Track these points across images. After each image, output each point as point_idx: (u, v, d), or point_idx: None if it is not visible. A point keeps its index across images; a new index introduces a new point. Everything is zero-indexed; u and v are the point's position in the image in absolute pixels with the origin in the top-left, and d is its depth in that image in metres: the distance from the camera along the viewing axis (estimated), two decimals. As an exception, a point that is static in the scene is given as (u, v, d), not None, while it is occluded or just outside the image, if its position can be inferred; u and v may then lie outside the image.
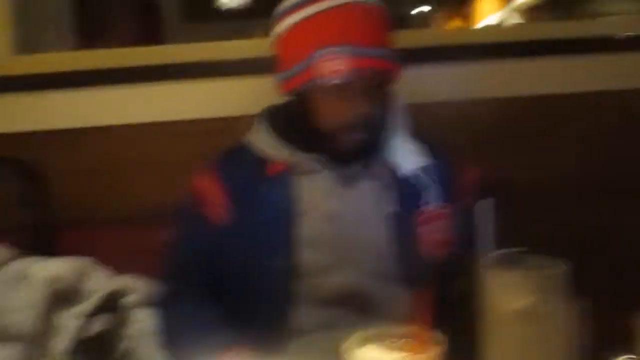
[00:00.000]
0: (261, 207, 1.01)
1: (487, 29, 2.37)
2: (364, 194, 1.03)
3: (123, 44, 1.76)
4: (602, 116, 1.42)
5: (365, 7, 0.98)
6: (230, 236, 1.01)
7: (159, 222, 1.21)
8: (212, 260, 1.03)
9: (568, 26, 1.52)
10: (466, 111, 1.36)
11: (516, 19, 2.69)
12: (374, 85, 0.98)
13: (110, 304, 1.07)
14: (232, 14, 3.26)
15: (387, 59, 0.98)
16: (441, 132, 1.14)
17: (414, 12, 3.28)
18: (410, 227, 1.01)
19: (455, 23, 3.18)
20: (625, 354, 0.67)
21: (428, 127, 1.08)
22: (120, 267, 1.15)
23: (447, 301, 0.73)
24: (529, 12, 2.66)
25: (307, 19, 0.98)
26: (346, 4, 0.97)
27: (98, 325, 1.03)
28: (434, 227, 1.02)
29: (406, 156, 1.03)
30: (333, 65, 0.94)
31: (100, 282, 1.11)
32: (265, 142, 1.05)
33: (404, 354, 0.58)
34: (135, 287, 1.11)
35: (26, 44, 1.49)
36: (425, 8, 3.28)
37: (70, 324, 1.04)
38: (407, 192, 1.02)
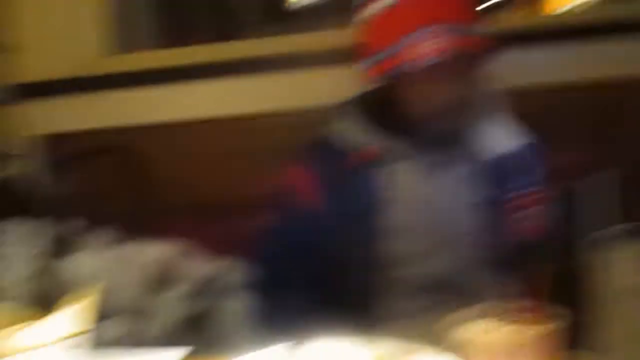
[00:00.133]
0: (352, 196, 1.01)
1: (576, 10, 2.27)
2: (455, 179, 1.01)
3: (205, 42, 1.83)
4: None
5: None
6: (322, 225, 1.02)
7: (252, 211, 1.26)
8: (304, 248, 1.04)
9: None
10: (559, 94, 1.32)
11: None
12: (465, 68, 0.96)
13: (207, 287, 1.11)
14: (304, 13, 3.29)
15: (477, 39, 0.96)
16: (533, 115, 1.11)
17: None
18: (502, 213, 0.99)
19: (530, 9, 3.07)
20: None
21: (520, 110, 1.05)
22: (215, 252, 1.20)
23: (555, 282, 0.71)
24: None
25: (395, 3, 0.97)
26: None
27: (196, 306, 1.08)
28: (528, 213, 1.00)
29: (498, 140, 1.01)
30: (424, 48, 0.92)
31: (197, 266, 1.17)
32: (354, 131, 1.05)
33: (519, 327, 0.57)
34: (230, 271, 1.15)
35: (120, 44, 1.59)
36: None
37: (169, 304, 1.10)
38: (499, 176, 1.00)
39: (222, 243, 1.20)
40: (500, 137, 1.02)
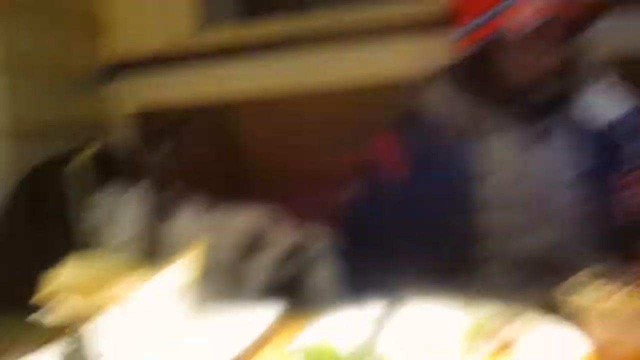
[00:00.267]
0: (444, 167, 0.99)
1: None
2: (555, 151, 0.97)
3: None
4: None
5: None
6: (412, 196, 1.01)
7: (341, 181, 1.28)
8: (392, 219, 1.04)
9: None
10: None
11: None
12: (566, 33, 0.92)
13: (296, 253, 1.15)
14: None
15: (578, 2, 0.91)
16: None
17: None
18: (607, 187, 0.94)
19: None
20: None
21: (626, 78, 1.00)
22: (304, 221, 1.23)
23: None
24: None
25: None
26: None
27: (286, 270, 1.12)
28: (636, 191, 0.95)
29: (602, 110, 0.96)
30: (523, 13, 0.89)
31: (286, 232, 1.21)
32: (446, 101, 1.03)
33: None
34: (318, 239, 1.18)
35: (210, 19, 1.64)
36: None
37: (260, 268, 1.14)
38: (603, 149, 0.95)
39: (310, 212, 1.23)
40: (605, 107, 0.97)
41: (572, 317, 0.60)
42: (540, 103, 0.96)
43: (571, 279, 0.61)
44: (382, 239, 1.04)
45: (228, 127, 1.30)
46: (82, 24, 1.60)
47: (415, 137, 1.03)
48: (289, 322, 0.82)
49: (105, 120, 1.64)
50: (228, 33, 1.57)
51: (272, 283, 1.10)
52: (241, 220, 1.16)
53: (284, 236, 1.18)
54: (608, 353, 0.57)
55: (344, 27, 1.44)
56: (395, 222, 1.03)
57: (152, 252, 0.92)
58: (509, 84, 0.96)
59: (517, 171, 0.96)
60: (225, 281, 1.05)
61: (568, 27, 0.92)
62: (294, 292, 1.08)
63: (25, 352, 0.75)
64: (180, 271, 0.74)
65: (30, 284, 0.99)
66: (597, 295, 0.58)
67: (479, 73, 1.00)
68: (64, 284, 0.69)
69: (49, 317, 0.69)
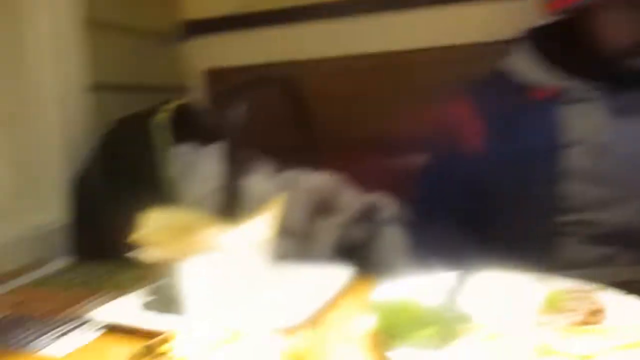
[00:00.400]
0: (523, 136, 0.97)
1: None
2: None
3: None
4: None
5: None
6: (487, 165, 0.99)
7: (413, 148, 1.27)
8: (466, 188, 1.02)
9: None
10: None
11: None
12: None
13: (364, 218, 1.15)
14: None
15: None
16: None
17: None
18: None
19: None
20: None
21: None
22: (370, 187, 1.23)
23: None
24: None
25: None
26: None
27: (356, 233, 1.13)
28: None
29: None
30: None
31: (354, 197, 1.21)
32: (528, 67, 1.00)
33: None
34: (386, 205, 1.18)
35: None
36: None
37: (329, 231, 1.15)
38: None
39: (380, 178, 1.23)
40: None
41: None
42: (629, 72, 0.92)
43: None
44: (454, 208, 1.03)
45: (299, 90, 1.31)
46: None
47: (493, 103, 1.01)
48: (359, 285, 0.84)
49: (182, 78, 1.69)
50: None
51: (340, 247, 1.11)
52: (311, 183, 1.17)
53: (353, 201, 1.19)
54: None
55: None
56: (469, 191, 1.01)
57: (227, 208, 0.95)
58: (598, 51, 0.93)
59: (603, 142, 0.93)
60: (294, 242, 1.07)
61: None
62: (362, 257, 1.09)
63: (114, 295, 0.80)
64: (259, 227, 0.76)
65: (111, 236, 1.05)
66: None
67: (566, 39, 0.97)
68: (151, 230, 0.73)
69: (140, 258, 0.73)
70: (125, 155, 1.13)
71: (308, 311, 0.71)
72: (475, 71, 1.11)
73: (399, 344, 0.58)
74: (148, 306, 0.75)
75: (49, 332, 0.74)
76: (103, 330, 0.73)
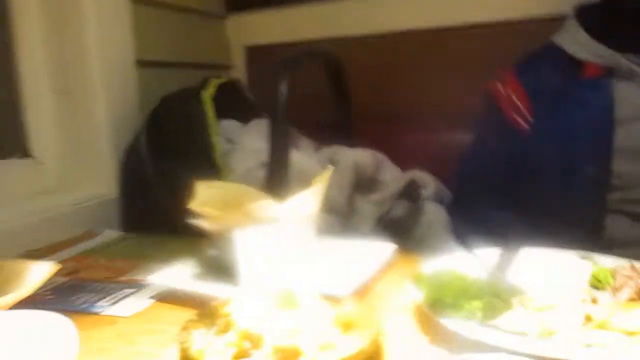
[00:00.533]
0: (573, 113, 0.95)
1: None
2: None
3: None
4: None
5: None
6: (535, 142, 0.98)
7: (453, 125, 1.26)
8: (512, 164, 1.02)
9: None
10: None
11: None
12: None
13: (407, 194, 1.16)
14: None
15: None
16: None
17: None
18: None
19: None
20: None
21: None
22: (411, 164, 1.23)
23: None
24: None
25: None
26: None
27: (398, 210, 1.14)
28: None
29: None
30: None
31: (394, 174, 1.22)
32: (579, 43, 0.98)
33: None
34: (428, 182, 1.19)
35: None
36: None
37: (370, 208, 1.17)
38: None
39: (422, 155, 1.23)
40: None
41: None
42: None
43: None
44: (500, 185, 1.03)
45: (341, 66, 1.31)
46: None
47: (542, 80, 1.00)
48: (403, 260, 0.85)
49: (225, 55, 1.71)
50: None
51: (381, 224, 1.12)
52: (352, 159, 1.18)
53: (394, 178, 1.20)
54: None
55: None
56: (515, 168, 1.01)
57: (272, 183, 0.97)
58: None
59: None
60: (337, 218, 1.09)
61: None
62: (403, 235, 1.10)
63: (166, 264, 0.83)
64: (306, 201, 0.78)
65: (159, 209, 1.09)
66: None
67: (620, 14, 0.94)
68: (202, 201, 0.75)
69: (192, 229, 0.76)
70: (171, 130, 1.15)
71: (355, 282, 0.73)
72: (524, 47, 1.09)
73: (449, 315, 0.59)
74: (200, 275, 0.78)
75: (106, 297, 0.78)
76: (157, 297, 0.77)
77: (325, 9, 1.56)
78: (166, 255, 0.86)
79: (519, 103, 1.02)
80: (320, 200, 0.79)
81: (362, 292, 0.73)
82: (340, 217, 1.11)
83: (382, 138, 1.31)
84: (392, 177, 1.21)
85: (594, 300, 0.63)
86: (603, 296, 0.65)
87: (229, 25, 1.72)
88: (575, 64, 0.98)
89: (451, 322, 0.57)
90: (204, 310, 0.59)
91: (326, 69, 1.29)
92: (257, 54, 1.69)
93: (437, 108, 1.34)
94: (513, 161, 1.01)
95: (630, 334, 0.56)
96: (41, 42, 1.23)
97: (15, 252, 0.96)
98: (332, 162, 1.16)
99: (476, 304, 0.58)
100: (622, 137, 0.92)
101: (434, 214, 1.13)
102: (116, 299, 0.77)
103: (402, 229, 1.11)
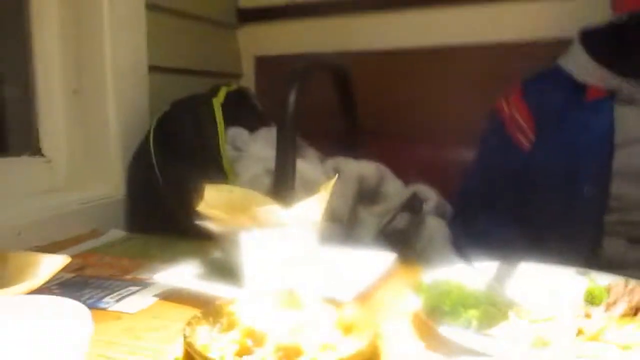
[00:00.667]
0: (575, 134, 0.98)
1: None
2: None
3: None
4: None
5: None
6: (536, 161, 1.01)
7: (457, 141, 1.29)
8: (514, 182, 1.04)
9: None
10: None
11: None
12: None
13: (409, 207, 1.18)
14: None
15: None
16: None
17: None
18: None
19: None
20: None
21: None
22: (415, 177, 1.25)
23: None
24: None
25: None
26: None
27: (400, 222, 1.15)
28: None
29: None
30: None
31: (397, 187, 1.24)
32: (582, 67, 1.01)
33: None
34: (430, 195, 1.21)
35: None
36: None
37: (372, 219, 1.19)
38: None
39: (420, 170, 1.25)
40: None
41: None
42: None
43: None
44: (501, 201, 1.05)
45: (349, 79, 1.34)
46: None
47: (547, 101, 1.02)
48: (404, 270, 0.87)
49: (235, 64, 1.74)
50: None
51: (383, 235, 1.14)
52: (357, 170, 1.20)
53: (397, 190, 1.22)
54: None
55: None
56: (517, 186, 1.03)
57: (278, 190, 0.99)
58: None
59: None
60: (339, 227, 1.11)
61: None
62: (405, 246, 1.12)
63: (171, 264, 0.84)
64: (310, 208, 0.80)
65: (166, 211, 1.11)
66: None
67: (625, 40, 0.96)
68: (209, 204, 0.77)
69: (198, 231, 0.78)
70: (181, 135, 1.18)
71: (357, 288, 0.75)
72: (530, 68, 1.12)
73: (446, 322, 0.60)
74: (204, 275, 0.80)
75: (112, 294, 0.79)
76: (162, 295, 0.78)
77: (335, 23, 1.60)
78: (171, 256, 0.88)
79: (522, 122, 1.04)
80: (324, 208, 0.81)
81: (364, 297, 0.75)
82: (343, 226, 1.13)
83: (387, 151, 1.33)
84: (395, 189, 1.23)
85: (588, 315, 0.65)
86: (597, 311, 0.66)
87: (240, 35, 1.75)
88: (578, 87, 1.00)
89: (447, 330, 0.59)
90: (209, 309, 0.60)
91: (335, 81, 1.32)
92: (266, 64, 1.72)
93: (442, 124, 1.36)
94: (514, 178, 1.03)
95: (623, 347, 0.58)
96: (58, 44, 1.26)
97: (21, 248, 0.97)
98: (337, 172, 1.18)
99: (473, 312, 0.60)
100: (622, 159, 0.94)
101: (436, 227, 1.15)
102: (121, 296, 0.79)
103: (404, 241, 1.12)
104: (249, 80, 1.73)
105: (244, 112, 1.30)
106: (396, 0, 1.52)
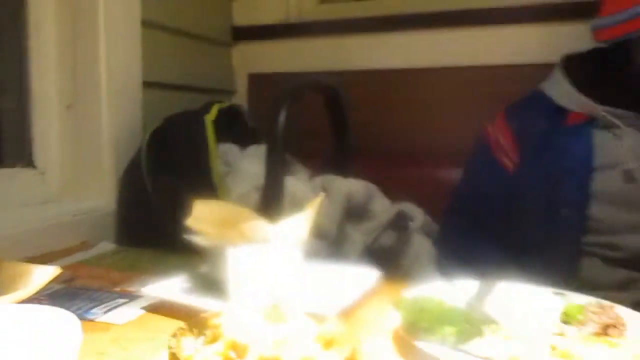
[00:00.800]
0: (556, 158, 1.01)
1: None
2: None
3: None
4: None
5: None
6: (519, 182, 1.03)
7: (445, 162, 1.31)
8: (499, 203, 1.06)
9: None
10: None
11: None
12: None
13: (396, 225, 1.20)
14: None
15: None
16: None
17: None
18: None
19: None
20: None
21: None
22: (400, 196, 1.27)
23: None
24: None
25: None
26: None
27: (386, 240, 1.17)
28: None
29: None
30: None
31: (385, 205, 1.26)
32: (563, 92, 1.04)
33: None
34: (417, 214, 1.23)
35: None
36: None
37: (359, 236, 1.21)
38: None
39: (408, 189, 1.28)
40: None
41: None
42: None
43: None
44: (485, 221, 1.07)
45: (341, 98, 1.36)
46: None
47: (529, 125, 1.05)
48: (387, 287, 0.89)
49: (228, 81, 1.77)
50: (345, 7, 1.64)
51: (369, 252, 1.16)
52: (345, 188, 1.22)
53: (384, 208, 1.24)
54: None
55: (462, 8, 1.46)
56: (500, 207, 1.05)
57: (267, 206, 1.01)
58: (633, 81, 0.96)
59: (634, 168, 0.96)
60: (326, 244, 1.13)
61: None
62: (390, 264, 1.13)
63: (159, 277, 0.86)
64: (298, 224, 0.82)
65: (155, 225, 1.12)
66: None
67: (604, 68, 1.00)
68: (198, 219, 0.79)
69: (187, 245, 0.79)
70: (173, 150, 1.20)
71: (340, 304, 0.76)
72: (519, 90, 1.15)
73: (424, 338, 0.62)
74: (191, 289, 0.82)
75: (100, 305, 0.81)
76: (149, 307, 0.80)
77: (328, 43, 1.63)
78: (159, 269, 0.89)
79: (506, 145, 1.07)
80: (311, 225, 0.83)
81: (346, 313, 0.77)
82: (330, 243, 1.15)
83: (376, 170, 1.35)
84: (382, 207, 1.25)
85: (562, 334, 0.67)
86: (571, 330, 0.69)
87: (235, 52, 1.78)
88: (559, 111, 1.03)
89: (425, 345, 0.61)
90: (194, 321, 0.62)
91: (327, 101, 1.34)
92: (259, 82, 1.75)
93: (432, 144, 1.39)
94: (498, 199, 1.06)
95: (593, 364, 0.60)
96: (54, 58, 1.29)
97: (11, 258, 0.98)
98: (325, 189, 1.20)
99: (449, 329, 0.62)
100: (599, 183, 0.97)
101: (421, 245, 1.17)
102: (109, 307, 0.80)
103: (390, 259, 1.14)
104: (242, 97, 1.76)
105: (236, 128, 1.32)
106: (389, 22, 1.56)
